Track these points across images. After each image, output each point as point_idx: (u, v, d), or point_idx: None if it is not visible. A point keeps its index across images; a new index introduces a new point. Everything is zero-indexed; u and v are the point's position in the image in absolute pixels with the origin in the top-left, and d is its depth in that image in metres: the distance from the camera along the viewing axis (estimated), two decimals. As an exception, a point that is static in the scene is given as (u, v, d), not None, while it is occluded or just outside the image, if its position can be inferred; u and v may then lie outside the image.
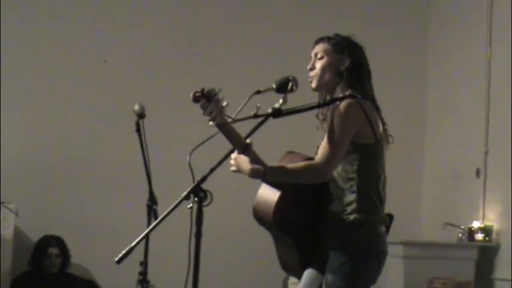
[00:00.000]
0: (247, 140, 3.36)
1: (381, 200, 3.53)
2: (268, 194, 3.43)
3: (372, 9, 7.88)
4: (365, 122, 3.43)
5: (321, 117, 3.66)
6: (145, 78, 7.28)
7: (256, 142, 3.41)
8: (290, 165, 3.36)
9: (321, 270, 3.52)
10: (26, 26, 7.12)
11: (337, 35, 3.66)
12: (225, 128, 3.40)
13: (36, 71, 7.12)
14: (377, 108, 3.57)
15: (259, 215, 3.47)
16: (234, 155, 3.39)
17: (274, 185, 3.43)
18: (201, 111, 3.39)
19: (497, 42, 7.09)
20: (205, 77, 7.07)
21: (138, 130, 4.54)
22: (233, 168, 3.40)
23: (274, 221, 3.40)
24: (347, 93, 3.48)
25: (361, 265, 3.43)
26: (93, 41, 7.25)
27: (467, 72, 7.47)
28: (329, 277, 3.44)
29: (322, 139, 3.47)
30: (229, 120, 3.36)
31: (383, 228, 3.53)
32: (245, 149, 3.36)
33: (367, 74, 3.62)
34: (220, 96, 3.37)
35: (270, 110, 3.23)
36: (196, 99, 3.38)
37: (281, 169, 3.37)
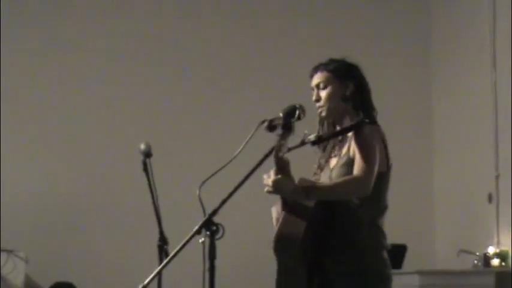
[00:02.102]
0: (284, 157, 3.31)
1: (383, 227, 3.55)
2: (294, 222, 3.38)
3: (372, 43, 7.85)
4: (383, 150, 3.45)
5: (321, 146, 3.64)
6: (150, 118, 7.28)
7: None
8: (332, 182, 3.39)
9: None
10: (30, 71, 7.14)
11: (332, 60, 3.63)
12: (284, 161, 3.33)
13: (42, 116, 7.13)
14: None
15: (282, 243, 3.39)
16: (270, 177, 3.32)
17: (297, 214, 3.39)
18: (279, 141, 3.28)
19: (501, 66, 7.07)
20: (210, 114, 7.07)
21: (145, 169, 4.52)
22: (269, 189, 3.33)
23: (300, 249, 3.34)
24: (360, 118, 3.46)
25: None
26: (97, 81, 7.26)
27: (473, 97, 7.44)
28: None
29: (322, 160, 3.57)
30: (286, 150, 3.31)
31: (386, 254, 3.52)
32: (284, 168, 3.31)
33: (369, 92, 3.62)
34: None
35: (312, 138, 3.29)
36: (272, 129, 3.30)
37: (323, 186, 3.38)
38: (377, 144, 3.40)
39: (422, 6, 8.14)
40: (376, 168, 3.36)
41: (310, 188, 3.32)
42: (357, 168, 3.35)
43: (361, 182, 3.33)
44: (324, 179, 3.53)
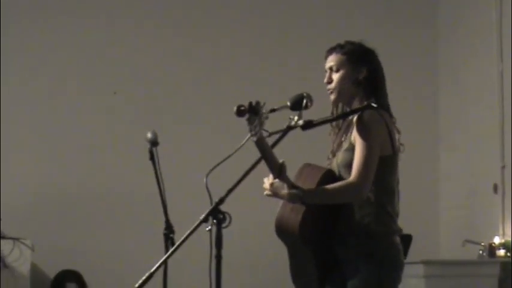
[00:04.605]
0: (280, 161, 3.33)
1: (397, 214, 3.54)
2: (293, 206, 3.39)
3: (379, 28, 7.82)
4: (386, 133, 3.44)
5: (334, 124, 3.65)
6: (156, 106, 7.29)
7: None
8: (327, 187, 3.36)
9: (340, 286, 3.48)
10: (33, 60, 7.16)
11: (348, 43, 3.63)
12: (264, 144, 3.32)
13: (48, 105, 7.14)
14: (391, 116, 3.56)
15: (283, 227, 3.43)
16: (269, 180, 3.39)
17: None
18: (247, 126, 3.28)
19: (508, 55, 7.05)
20: (218, 102, 7.04)
21: (152, 158, 4.51)
22: (268, 193, 3.40)
23: (300, 233, 3.36)
24: (365, 103, 3.45)
25: (383, 276, 3.43)
26: (102, 71, 7.27)
27: (480, 86, 7.42)
28: None
29: (334, 145, 3.56)
30: (266, 134, 3.30)
31: (398, 239, 3.53)
32: (280, 172, 3.33)
33: (383, 78, 3.61)
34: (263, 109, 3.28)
35: (301, 123, 3.25)
36: (240, 113, 3.25)
37: (318, 191, 3.37)
38: (377, 130, 3.40)
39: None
40: (373, 167, 3.36)
41: (305, 193, 3.33)
42: (354, 170, 3.36)
43: (356, 188, 3.36)
44: (334, 164, 3.54)
